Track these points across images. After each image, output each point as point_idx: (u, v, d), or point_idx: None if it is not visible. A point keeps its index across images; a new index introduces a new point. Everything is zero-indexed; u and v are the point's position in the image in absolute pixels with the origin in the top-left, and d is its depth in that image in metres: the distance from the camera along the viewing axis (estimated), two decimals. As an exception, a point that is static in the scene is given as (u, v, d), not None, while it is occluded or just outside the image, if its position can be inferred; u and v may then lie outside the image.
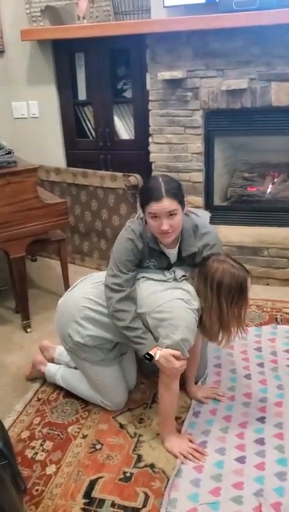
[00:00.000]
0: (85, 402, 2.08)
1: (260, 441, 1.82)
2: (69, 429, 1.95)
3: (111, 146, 3.45)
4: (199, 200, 3.27)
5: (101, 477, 1.71)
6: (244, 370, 2.24)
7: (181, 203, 1.74)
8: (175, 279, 1.83)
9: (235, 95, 2.95)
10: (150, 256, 1.86)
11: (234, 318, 1.71)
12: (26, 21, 3.26)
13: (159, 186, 1.70)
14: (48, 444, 1.88)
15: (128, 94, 3.36)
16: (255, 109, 2.98)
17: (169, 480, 1.68)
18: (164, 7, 2.87)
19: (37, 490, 1.68)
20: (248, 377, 2.20)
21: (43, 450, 1.85)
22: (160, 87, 3.08)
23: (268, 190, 3.33)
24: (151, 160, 3.27)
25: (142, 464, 1.76)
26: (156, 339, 1.77)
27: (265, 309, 2.78)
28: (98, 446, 1.85)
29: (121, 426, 1.95)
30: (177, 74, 2.94)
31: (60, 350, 2.24)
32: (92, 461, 1.78)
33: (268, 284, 3.08)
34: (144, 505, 1.59)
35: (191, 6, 2.84)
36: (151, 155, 3.26)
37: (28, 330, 2.70)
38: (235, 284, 1.67)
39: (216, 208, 3.34)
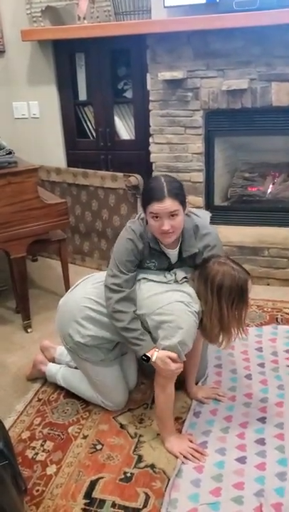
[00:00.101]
0: (85, 403, 2.08)
1: (261, 442, 1.82)
2: (69, 430, 1.95)
3: (111, 146, 3.45)
4: (200, 200, 3.27)
5: (101, 477, 1.71)
6: (245, 370, 2.24)
7: (183, 203, 1.74)
8: (176, 281, 1.82)
9: (236, 95, 2.95)
10: (151, 256, 1.86)
11: (234, 321, 1.71)
12: (27, 21, 3.26)
13: (161, 186, 1.70)
14: (49, 445, 1.88)
15: (128, 94, 3.36)
16: (255, 110, 2.98)
17: (169, 480, 1.68)
18: (165, 7, 2.87)
19: (37, 490, 1.68)
20: (248, 377, 2.20)
21: (43, 450, 1.85)
22: (160, 87, 3.08)
23: (269, 190, 3.33)
24: (151, 160, 3.27)
25: (142, 465, 1.76)
26: (154, 340, 1.77)
27: (265, 309, 2.78)
28: (99, 447, 1.85)
29: (121, 426, 1.95)
30: (178, 74, 2.94)
31: (60, 350, 2.24)
32: (93, 462, 1.78)
33: (268, 284, 3.08)
34: (145, 506, 1.59)
35: (192, 6, 2.84)
36: (151, 155, 3.26)
37: (29, 330, 2.70)
38: (236, 287, 1.67)
39: (217, 208, 3.34)
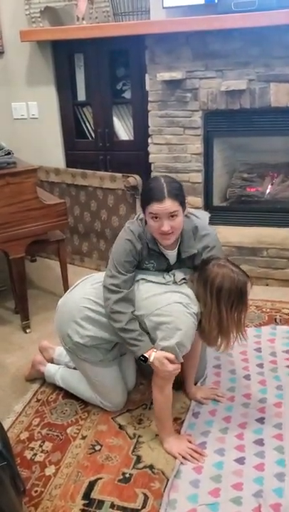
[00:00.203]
0: (84, 403, 2.08)
1: (260, 442, 1.82)
2: (68, 430, 1.95)
3: (110, 146, 3.45)
4: (198, 200, 3.27)
5: (100, 478, 1.71)
6: (243, 370, 2.25)
7: (183, 204, 1.74)
8: (174, 282, 1.82)
9: (235, 96, 2.95)
10: (149, 257, 1.86)
11: (234, 324, 1.71)
12: (26, 22, 3.26)
13: (161, 187, 1.70)
14: (48, 445, 1.88)
15: (127, 95, 3.36)
16: (254, 110, 2.98)
17: (168, 481, 1.67)
18: (164, 8, 2.87)
19: (36, 491, 1.68)
20: (247, 377, 2.20)
21: (42, 451, 1.85)
22: (159, 87, 3.08)
23: (267, 191, 3.34)
24: (150, 161, 3.27)
25: (141, 465, 1.76)
26: (153, 341, 1.77)
27: (264, 310, 2.78)
28: (97, 447, 1.85)
29: (120, 427, 1.95)
30: (176, 75, 2.94)
31: (59, 351, 2.24)
32: (92, 462, 1.78)
33: (267, 285, 3.08)
34: (144, 506, 1.59)
35: (191, 6, 2.85)
36: (150, 156, 3.26)
37: (28, 330, 2.70)
38: (235, 289, 1.67)
39: (216, 208, 3.34)
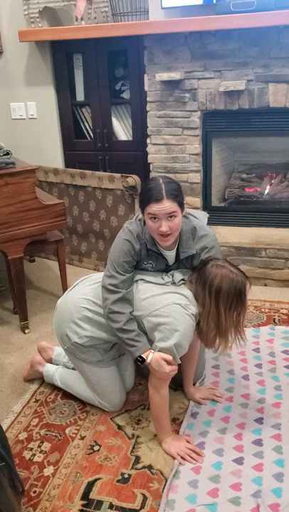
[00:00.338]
0: (82, 404, 2.08)
1: (258, 443, 1.82)
2: (67, 431, 1.95)
3: (109, 147, 3.45)
4: (197, 201, 3.28)
5: (99, 478, 1.71)
6: (242, 371, 2.25)
7: (181, 205, 1.74)
8: (173, 283, 1.83)
9: (233, 96, 2.96)
10: (148, 257, 1.86)
11: (232, 325, 1.71)
12: (24, 22, 3.26)
13: (160, 187, 1.70)
14: (46, 446, 1.88)
15: (126, 95, 3.37)
16: (252, 111, 2.99)
17: (166, 481, 1.68)
18: (162, 8, 2.88)
19: (35, 491, 1.68)
20: (246, 378, 2.20)
21: (40, 451, 1.85)
22: (158, 88, 3.09)
23: (266, 191, 3.34)
24: (149, 161, 3.28)
25: (139, 466, 1.76)
26: (150, 342, 1.77)
27: (263, 310, 2.78)
28: (96, 448, 1.85)
29: (119, 427, 1.95)
30: (175, 75, 2.94)
31: (58, 351, 2.24)
32: (90, 463, 1.78)
33: (265, 285, 3.09)
34: (142, 507, 1.59)
35: (189, 7, 2.85)
36: (149, 156, 3.27)
37: (26, 331, 2.70)
38: (234, 290, 1.67)
39: (214, 208, 3.34)
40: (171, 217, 1.70)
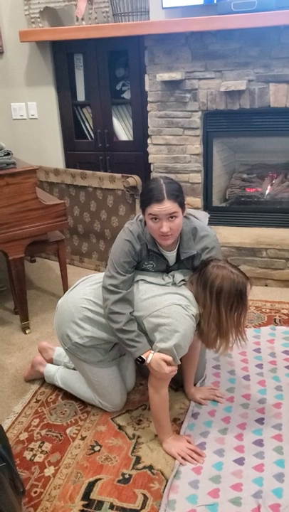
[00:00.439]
0: (83, 404, 2.08)
1: (259, 443, 1.82)
2: (68, 431, 1.95)
3: (110, 147, 3.45)
4: (198, 201, 3.27)
5: (100, 479, 1.71)
6: (243, 371, 2.25)
7: (182, 205, 1.74)
8: (174, 284, 1.82)
9: (234, 96, 2.95)
10: (149, 258, 1.86)
11: (233, 325, 1.71)
12: (25, 22, 3.26)
13: (161, 188, 1.70)
14: (47, 446, 1.88)
15: (127, 95, 3.37)
16: (253, 111, 2.99)
17: (167, 481, 1.68)
18: (163, 8, 2.88)
19: (35, 492, 1.68)
20: (246, 378, 2.20)
21: (41, 452, 1.85)
22: (159, 88, 3.09)
23: (267, 191, 3.34)
24: (149, 161, 3.28)
25: (140, 466, 1.76)
26: (150, 342, 1.77)
27: (263, 310, 2.78)
28: (97, 448, 1.85)
29: (120, 427, 1.95)
30: (176, 75, 2.94)
31: (58, 351, 2.24)
32: (91, 463, 1.78)
33: (266, 285, 3.09)
34: (143, 507, 1.59)
35: (190, 7, 2.85)
36: (149, 156, 3.27)
37: (27, 331, 2.70)
38: (235, 291, 1.67)
39: (215, 209, 3.34)
40: (172, 217, 1.70)
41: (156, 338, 1.73)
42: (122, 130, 3.45)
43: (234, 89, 2.88)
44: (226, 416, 1.98)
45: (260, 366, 2.27)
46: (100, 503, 1.61)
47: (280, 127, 3.02)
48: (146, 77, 3.10)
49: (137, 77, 3.24)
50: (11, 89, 3.53)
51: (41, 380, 2.25)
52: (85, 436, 1.91)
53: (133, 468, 1.75)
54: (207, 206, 3.35)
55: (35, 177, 2.53)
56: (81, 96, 3.48)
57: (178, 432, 1.90)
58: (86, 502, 1.62)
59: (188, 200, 3.21)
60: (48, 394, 2.17)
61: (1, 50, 3.43)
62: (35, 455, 1.84)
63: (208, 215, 3.26)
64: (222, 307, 1.68)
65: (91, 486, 1.68)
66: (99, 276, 1.98)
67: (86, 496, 1.64)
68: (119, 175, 3.11)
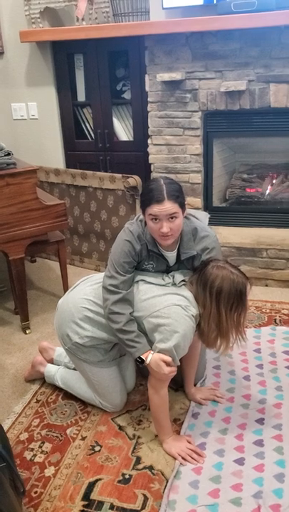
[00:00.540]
0: (83, 404, 2.08)
1: (259, 443, 1.82)
2: (68, 431, 1.95)
3: (110, 147, 3.45)
4: (198, 201, 3.27)
5: (100, 479, 1.71)
6: (243, 371, 2.25)
7: (182, 206, 1.74)
8: (174, 284, 1.83)
9: (234, 97, 2.95)
10: (149, 258, 1.86)
11: (233, 325, 1.71)
12: (25, 23, 3.26)
13: (161, 188, 1.70)
14: (47, 446, 1.88)
15: (127, 95, 3.37)
16: (253, 111, 2.99)
17: (167, 482, 1.68)
18: (163, 9, 2.88)
19: (36, 492, 1.68)
20: (247, 378, 2.20)
21: (41, 452, 1.85)
22: (159, 88, 3.09)
23: (267, 192, 3.34)
24: (150, 161, 3.28)
25: (140, 466, 1.76)
26: (150, 343, 1.77)
27: (264, 310, 2.78)
28: (97, 448, 1.85)
29: (120, 428, 1.95)
30: (176, 75, 2.94)
31: (59, 351, 2.24)
32: (91, 463, 1.78)
33: (266, 286, 3.09)
34: (143, 507, 1.59)
35: (190, 7, 2.85)
36: (150, 156, 3.27)
37: (28, 331, 2.70)
38: (235, 291, 1.67)
39: (215, 209, 3.34)
40: (172, 218, 1.70)
41: (156, 338, 1.73)
42: (123, 130, 3.45)
43: (234, 90, 2.88)
44: (226, 416, 1.98)
45: (260, 366, 2.27)
46: (100, 504, 1.61)
47: (281, 127, 3.02)
48: (147, 78, 3.10)
49: (137, 78, 3.24)
50: (12, 90, 3.53)
51: (41, 380, 2.25)
52: (86, 437, 1.91)
53: (133, 468, 1.75)
54: (207, 206, 3.35)
55: (35, 177, 2.54)
56: (81, 96, 3.48)
57: (178, 432, 1.90)
58: (86, 502, 1.62)
59: (189, 200, 3.21)
60: (49, 394, 2.17)
61: (2, 50, 3.43)
62: (35, 455, 1.84)
63: (209, 216, 3.26)
64: (222, 307, 1.68)
65: (91, 486, 1.68)
66: (99, 277, 1.98)
67: (86, 496, 1.64)
68: (120, 175, 3.11)
